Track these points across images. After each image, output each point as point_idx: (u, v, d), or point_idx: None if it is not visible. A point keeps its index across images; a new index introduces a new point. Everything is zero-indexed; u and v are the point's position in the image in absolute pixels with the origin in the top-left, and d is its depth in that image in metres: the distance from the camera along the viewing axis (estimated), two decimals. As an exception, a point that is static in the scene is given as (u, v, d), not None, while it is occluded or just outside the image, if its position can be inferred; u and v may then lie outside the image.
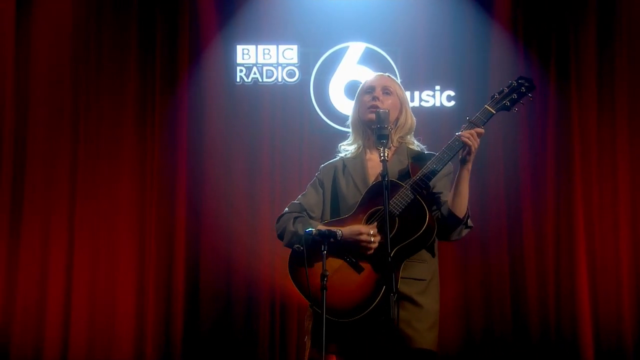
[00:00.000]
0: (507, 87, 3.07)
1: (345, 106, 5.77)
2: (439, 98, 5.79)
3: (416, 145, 3.27)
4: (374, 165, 3.12)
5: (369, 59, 5.86)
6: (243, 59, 5.88)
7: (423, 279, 3.02)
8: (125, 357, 5.54)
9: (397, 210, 2.92)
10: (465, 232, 3.07)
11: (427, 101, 5.81)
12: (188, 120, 5.79)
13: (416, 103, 5.78)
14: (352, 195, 3.12)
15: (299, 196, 3.25)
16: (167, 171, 5.75)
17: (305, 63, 5.88)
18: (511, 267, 5.65)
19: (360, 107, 3.25)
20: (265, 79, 5.85)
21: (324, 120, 5.78)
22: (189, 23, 5.84)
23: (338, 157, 3.31)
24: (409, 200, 2.92)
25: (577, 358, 5.47)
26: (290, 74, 5.86)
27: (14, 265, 5.57)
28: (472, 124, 2.99)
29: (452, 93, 5.80)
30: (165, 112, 5.80)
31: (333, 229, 2.93)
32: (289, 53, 5.89)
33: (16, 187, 5.66)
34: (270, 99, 5.86)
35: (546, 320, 5.57)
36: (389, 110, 3.04)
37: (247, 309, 5.61)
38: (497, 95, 3.07)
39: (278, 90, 5.86)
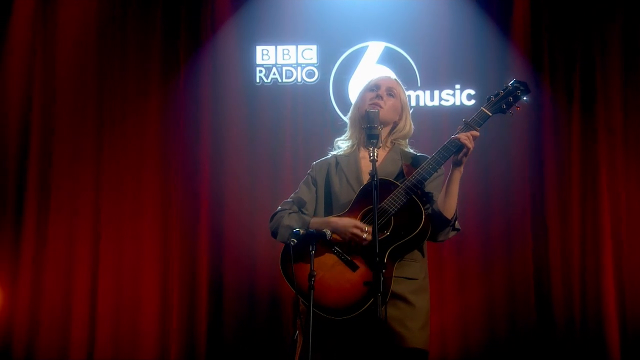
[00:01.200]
0: (503, 90, 3.10)
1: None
2: (459, 97, 5.77)
3: (409, 148, 3.29)
4: (367, 163, 3.10)
5: (388, 58, 5.84)
6: (262, 59, 5.89)
7: (415, 278, 3.04)
8: (149, 356, 5.58)
9: (393, 210, 2.94)
10: (452, 234, 3.10)
11: (447, 100, 5.78)
12: (210, 120, 5.81)
13: (436, 102, 5.76)
14: (345, 193, 3.14)
15: (292, 194, 3.26)
16: (190, 170, 5.78)
17: (324, 63, 5.88)
18: (536, 266, 5.59)
19: (361, 103, 3.26)
20: (284, 80, 5.86)
21: (344, 120, 5.75)
22: (210, 24, 5.86)
23: (331, 155, 3.33)
24: (404, 200, 2.94)
25: (603, 356, 5.41)
26: (310, 74, 5.86)
27: (40, 265, 5.64)
28: (469, 126, 3.01)
29: (472, 92, 5.77)
30: (188, 111, 5.83)
31: (322, 229, 2.95)
32: (309, 53, 5.89)
33: (43, 187, 5.74)
34: (289, 99, 5.86)
35: (571, 318, 5.50)
36: (378, 111, 3.05)
37: (271, 307, 5.61)
38: (493, 98, 3.10)
39: (297, 91, 5.86)
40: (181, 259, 5.68)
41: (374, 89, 3.25)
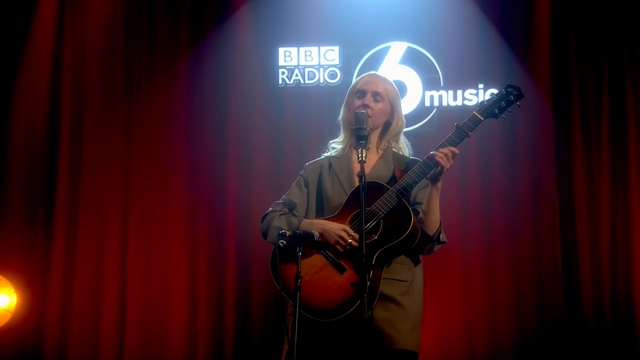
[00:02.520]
0: (496, 95, 3.09)
1: (388, 106, 5.75)
2: (483, 96, 5.73)
3: (404, 147, 3.27)
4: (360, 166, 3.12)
5: (411, 58, 5.82)
6: (285, 61, 5.90)
7: (405, 280, 3.03)
8: (178, 356, 5.62)
9: (382, 213, 2.93)
10: (437, 247, 3.09)
11: (471, 100, 5.75)
12: (236, 122, 5.84)
13: (459, 102, 5.74)
14: (337, 195, 3.13)
15: (284, 195, 3.26)
16: (217, 171, 5.80)
17: (347, 64, 5.87)
18: (564, 257, 5.54)
19: (350, 110, 3.24)
20: (307, 81, 5.86)
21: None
22: (237, 27, 5.90)
23: (324, 156, 3.32)
24: (394, 204, 2.93)
25: (634, 348, 5.36)
26: (332, 75, 5.86)
27: (70, 267, 5.69)
28: (460, 130, 3.00)
29: (495, 91, 5.68)
30: (214, 114, 5.87)
31: (310, 229, 2.95)
32: (331, 54, 5.88)
33: (72, 189, 5.80)
34: (312, 100, 5.86)
35: (601, 311, 5.44)
36: (366, 112, 3.04)
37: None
38: (485, 102, 3.09)
39: (320, 92, 5.85)
40: (208, 260, 5.70)
41: (360, 96, 3.23)
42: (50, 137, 5.87)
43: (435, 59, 5.81)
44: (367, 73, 3.38)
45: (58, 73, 5.91)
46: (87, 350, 5.61)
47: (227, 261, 5.69)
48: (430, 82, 5.78)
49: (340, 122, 3.34)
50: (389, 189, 2.97)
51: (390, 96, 3.25)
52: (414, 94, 5.77)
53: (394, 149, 3.24)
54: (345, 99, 3.32)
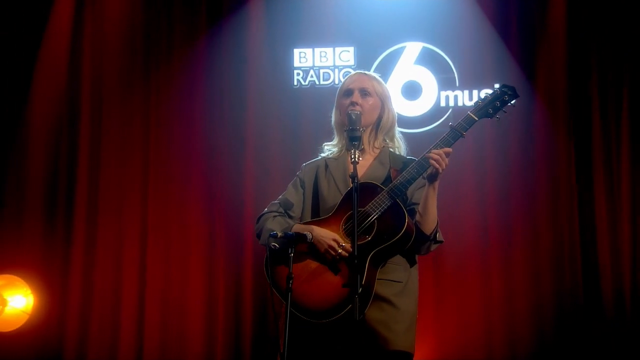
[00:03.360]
0: (490, 95, 3.09)
1: (403, 107, 5.75)
2: (499, 96, 5.70)
3: (399, 145, 3.27)
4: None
5: (426, 58, 5.82)
6: (300, 62, 5.91)
7: (400, 281, 3.02)
8: (196, 358, 5.65)
9: (376, 213, 2.92)
10: (434, 247, 3.08)
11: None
12: (253, 124, 5.86)
13: (475, 101, 5.70)
14: (333, 196, 3.13)
15: (280, 196, 3.26)
16: (235, 173, 5.83)
17: (362, 65, 5.85)
18: (583, 247, 5.50)
19: (341, 111, 3.24)
20: (322, 82, 5.87)
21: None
22: (252, 29, 5.93)
23: (320, 157, 3.31)
24: (388, 204, 2.93)
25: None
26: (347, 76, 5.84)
27: (90, 269, 5.75)
28: (455, 130, 3.00)
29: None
30: (231, 115, 5.90)
31: (303, 232, 2.95)
32: (346, 55, 5.89)
33: (91, 189, 5.85)
34: (327, 101, 5.83)
35: (621, 299, 5.39)
36: (360, 112, 3.04)
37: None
38: (480, 102, 3.09)
39: (335, 93, 5.83)
40: (227, 261, 5.73)
41: (348, 94, 3.22)
42: (70, 136, 5.93)
43: (450, 58, 5.80)
44: (353, 72, 3.39)
45: (77, 64, 5.98)
46: (107, 350, 5.66)
47: (245, 262, 5.71)
48: (446, 82, 5.77)
49: (333, 125, 3.34)
50: (383, 189, 2.96)
51: (378, 91, 3.25)
52: (429, 94, 5.76)
53: (390, 149, 3.24)
54: (335, 101, 3.32)
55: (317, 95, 5.87)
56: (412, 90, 5.81)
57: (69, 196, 5.85)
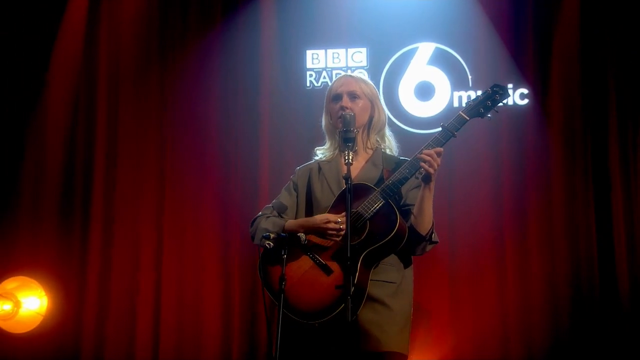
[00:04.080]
0: (482, 94, 3.08)
1: (416, 108, 5.74)
2: (512, 96, 5.69)
3: (391, 144, 3.28)
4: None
5: (439, 59, 5.80)
6: (313, 63, 5.91)
7: (393, 282, 3.01)
8: (212, 357, 5.67)
9: (368, 214, 2.93)
10: (429, 247, 3.08)
11: (500, 100, 5.70)
12: (265, 125, 5.87)
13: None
14: (326, 198, 3.14)
15: (274, 200, 3.27)
16: (249, 175, 5.84)
17: (374, 65, 5.86)
18: (599, 236, 5.46)
19: (331, 116, 3.25)
20: (334, 83, 5.85)
21: (394, 123, 5.74)
22: (265, 30, 5.95)
23: (314, 160, 3.32)
24: (380, 205, 2.93)
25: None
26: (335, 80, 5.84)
27: (106, 270, 5.79)
28: (446, 130, 3.01)
29: (525, 91, 5.69)
30: (245, 115, 5.92)
31: (294, 228, 2.97)
32: (358, 56, 5.88)
33: (108, 191, 5.90)
34: (340, 102, 5.85)
35: (637, 290, 5.36)
36: (354, 114, 3.05)
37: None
38: (471, 102, 3.09)
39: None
40: (242, 261, 5.73)
41: (337, 99, 3.23)
42: (86, 138, 5.98)
43: (463, 59, 5.78)
44: (340, 76, 3.39)
45: (92, 66, 6.03)
46: (123, 351, 5.69)
47: (260, 263, 5.71)
48: (459, 83, 5.75)
49: (324, 130, 3.34)
50: (375, 190, 2.97)
51: (366, 92, 3.26)
52: (442, 95, 5.75)
53: (383, 149, 3.24)
54: (324, 106, 3.33)
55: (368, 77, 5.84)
56: (425, 91, 5.79)
57: (86, 198, 5.90)
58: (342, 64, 5.89)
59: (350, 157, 2.85)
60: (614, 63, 5.61)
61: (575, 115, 5.60)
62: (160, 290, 5.74)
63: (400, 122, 5.74)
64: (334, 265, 2.95)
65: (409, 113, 5.75)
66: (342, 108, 3.16)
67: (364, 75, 3.45)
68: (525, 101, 5.68)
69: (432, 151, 2.93)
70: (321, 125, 3.37)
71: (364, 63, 5.87)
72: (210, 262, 5.77)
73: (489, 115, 3.07)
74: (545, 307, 5.44)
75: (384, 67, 5.84)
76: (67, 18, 6.02)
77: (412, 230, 2.99)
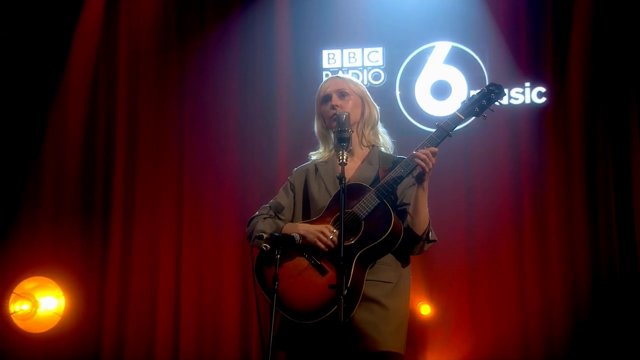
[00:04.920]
0: (477, 94, 3.06)
1: (432, 107, 5.73)
2: (529, 95, 5.65)
3: (387, 144, 3.27)
4: (346, 169, 3.05)
5: (455, 58, 5.78)
6: (329, 63, 5.91)
7: (389, 282, 3.00)
8: (232, 356, 5.70)
9: (363, 214, 2.92)
10: (427, 246, 3.05)
11: (517, 99, 5.68)
12: (283, 126, 5.88)
13: (505, 101, 5.66)
14: (323, 199, 3.12)
15: (271, 200, 3.26)
16: (267, 175, 5.84)
17: (390, 65, 5.85)
18: (618, 222, 5.43)
19: (324, 118, 3.24)
20: (350, 83, 5.85)
21: (411, 122, 5.74)
22: (283, 30, 5.96)
23: (311, 161, 3.31)
24: (375, 204, 2.92)
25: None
26: (376, 77, 5.84)
27: (127, 270, 5.83)
28: (441, 129, 2.98)
29: (542, 89, 5.65)
30: (262, 118, 5.94)
31: (290, 231, 2.96)
32: (374, 56, 5.87)
33: (128, 195, 5.94)
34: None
35: None
36: (349, 114, 3.03)
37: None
38: (467, 101, 3.07)
39: (365, 94, 5.82)
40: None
41: (327, 100, 3.23)
42: (106, 138, 6.02)
43: (479, 58, 5.75)
44: (325, 79, 3.38)
45: (112, 67, 6.08)
46: (143, 351, 5.73)
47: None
48: (475, 81, 5.72)
49: (317, 134, 3.33)
50: (370, 189, 2.96)
51: (355, 90, 3.25)
52: (458, 94, 5.72)
53: (380, 149, 3.24)
54: (315, 110, 3.31)
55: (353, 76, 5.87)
56: (441, 90, 5.77)
57: (106, 199, 5.94)
58: (358, 63, 5.88)
59: (345, 157, 2.85)
60: (633, 61, 5.55)
61: (595, 114, 5.56)
62: (180, 290, 5.77)
63: (417, 121, 5.72)
64: (329, 266, 2.94)
65: (426, 112, 5.73)
66: (333, 107, 3.17)
67: (351, 76, 3.43)
68: (543, 100, 5.64)
69: (427, 150, 2.90)
70: (313, 131, 3.36)
71: (380, 62, 5.86)
72: (230, 261, 5.79)
73: (484, 114, 3.05)
74: (566, 303, 5.40)
75: (400, 67, 5.83)
76: (86, 7, 6.06)
77: (409, 230, 2.98)
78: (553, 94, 5.63)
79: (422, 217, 2.96)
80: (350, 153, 3.13)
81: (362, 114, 3.24)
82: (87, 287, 5.77)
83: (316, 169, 3.25)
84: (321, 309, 2.85)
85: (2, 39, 5.94)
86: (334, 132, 3.04)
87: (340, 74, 3.42)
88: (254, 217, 3.22)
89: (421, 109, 5.76)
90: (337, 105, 3.17)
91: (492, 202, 5.59)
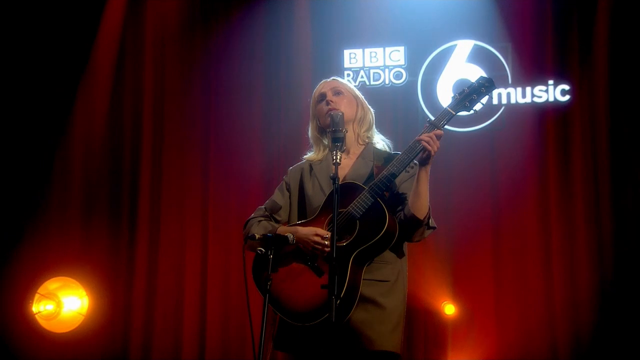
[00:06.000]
0: (468, 88, 3.04)
1: (455, 106, 5.69)
2: (553, 93, 5.60)
3: (383, 144, 3.25)
4: (340, 168, 3.03)
5: (477, 56, 5.75)
6: (350, 63, 5.91)
7: (387, 280, 2.99)
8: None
9: (358, 213, 2.90)
10: (427, 232, 3.03)
11: (540, 97, 5.63)
12: (307, 126, 5.87)
13: (528, 99, 5.62)
14: (318, 198, 3.12)
15: (267, 200, 3.25)
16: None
17: (412, 64, 5.83)
18: None
19: (319, 118, 3.23)
20: (372, 82, 5.85)
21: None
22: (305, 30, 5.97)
23: (305, 160, 3.30)
24: (369, 203, 2.90)
25: None
26: (398, 76, 5.82)
27: (153, 271, 5.87)
28: (433, 125, 2.96)
29: (566, 87, 5.60)
30: (286, 120, 5.95)
31: (285, 233, 2.94)
32: (396, 55, 5.85)
33: (154, 196, 5.99)
34: (378, 101, 5.78)
35: None
36: (343, 114, 3.02)
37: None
38: (457, 96, 3.05)
39: (385, 93, 5.83)
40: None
41: (322, 99, 3.23)
42: (133, 140, 6.07)
43: (502, 56, 5.71)
44: (320, 82, 3.38)
45: (139, 70, 6.13)
46: (170, 349, 5.77)
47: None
48: (498, 80, 5.65)
49: (310, 138, 3.33)
50: (364, 188, 2.94)
51: (348, 89, 3.28)
52: (481, 93, 5.67)
53: (375, 146, 3.23)
54: (310, 112, 3.31)
55: (367, 96, 5.78)
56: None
57: (133, 199, 5.99)
58: (380, 63, 5.86)
59: (339, 157, 2.83)
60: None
61: (620, 110, 5.49)
62: (206, 290, 5.79)
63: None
64: (325, 267, 2.93)
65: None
66: (328, 103, 3.18)
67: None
68: (567, 97, 5.58)
69: (432, 134, 2.92)
70: (307, 134, 3.35)
71: (402, 62, 5.84)
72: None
73: (474, 109, 3.04)
74: (594, 301, 5.33)
75: (422, 65, 5.81)
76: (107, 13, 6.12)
77: (410, 216, 2.95)
78: (577, 91, 5.57)
79: (423, 200, 2.93)
80: (346, 151, 3.15)
81: (356, 112, 3.24)
82: (113, 287, 5.81)
83: (311, 168, 3.24)
84: (318, 310, 2.84)
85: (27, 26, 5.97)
86: (328, 132, 3.02)
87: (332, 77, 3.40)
88: (249, 219, 3.23)
89: (443, 107, 5.71)
90: (332, 101, 3.17)
91: (517, 199, 5.55)
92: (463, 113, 3.06)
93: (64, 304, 5.72)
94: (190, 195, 5.96)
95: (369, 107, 3.32)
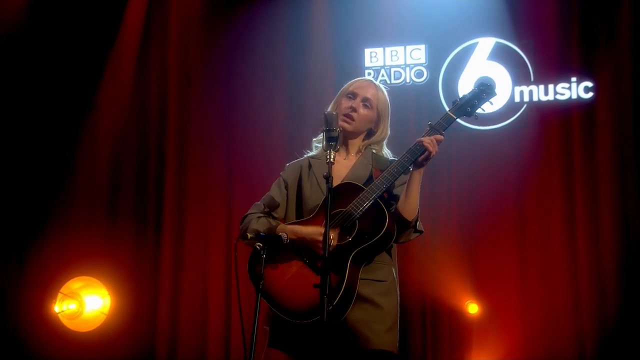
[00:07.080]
0: (469, 93, 3.05)
1: (476, 104, 5.66)
2: (576, 90, 5.55)
3: (383, 152, 3.24)
4: (339, 167, 3.06)
5: (499, 54, 5.72)
6: (371, 62, 5.90)
7: (384, 280, 2.99)
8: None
9: (357, 214, 2.89)
10: (414, 235, 3.03)
11: (563, 94, 5.58)
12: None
13: (551, 97, 5.58)
14: (315, 196, 3.11)
15: (264, 196, 3.24)
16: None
17: (433, 62, 5.80)
18: None
19: (337, 109, 3.19)
20: (393, 81, 5.83)
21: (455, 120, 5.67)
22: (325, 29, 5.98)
23: (304, 157, 3.30)
24: (369, 204, 2.89)
25: None
26: (419, 74, 5.80)
27: (179, 271, 5.90)
28: (434, 129, 2.97)
29: (589, 84, 5.54)
30: (310, 120, 5.92)
31: (284, 231, 2.94)
32: (417, 53, 5.83)
33: (179, 196, 6.02)
34: (399, 100, 5.79)
35: None
36: (337, 113, 2.98)
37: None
38: (458, 101, 3.05)
39: (407, 91, 5.81)
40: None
41: (350, 97, 3.21)
42: (158, 143, 6.12)
43: (524, 53, 5.67)
44: (363, 78, 3.36)
45: (164, 72, 6.17)
46: (196, 348, 5.79)
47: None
48: (520, 77, 5.65)
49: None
50: (363, 189, 2.94)
51: (379, 105, 3.23)
52: (503, 90, 5.64)
53: (373, 150, 3.21)
54: (335, 98, 3.29)
55: (388, 94, 5.81)
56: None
57: (158, 200, 6.02)
58: (401, 61, 5.84)
59: (333, 157, 2.81)
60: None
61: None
62: (230, 288, 5.81)
63: (460, 118, 5.65)
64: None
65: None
66: (352, 109, 3.16)
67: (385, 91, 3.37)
68: (590, 94, 5.53)
69: (432, 137, 2.93)
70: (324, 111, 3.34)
71: (423, 60, 5.81)
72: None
73: (475, 114, 3.05)
74: (620, 301, 5.28)
75: (443, 63, 5.78)
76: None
77: (398, 216, 2.95)
78: (601, 89, 5.51)
79: (412, 202, 2.94)
80: (347, 152, 3.16)
81: (371, 131, 3.23)
82: (138, 286, 5.84)
83: (309, 165, 3.24)
84: (316, 308, 2.78)
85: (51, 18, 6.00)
86: (322, 131, 2.97)
87: (377, 82, 3.36)
88: (247, 215, 3.22)
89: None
90: (355, 109, 3.16)
91: (542, 197, 5.52)
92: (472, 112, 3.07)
93: (86, 303, 5.76)
94: (215, 195, 5.98)
95: (388, 127, 3.29)
